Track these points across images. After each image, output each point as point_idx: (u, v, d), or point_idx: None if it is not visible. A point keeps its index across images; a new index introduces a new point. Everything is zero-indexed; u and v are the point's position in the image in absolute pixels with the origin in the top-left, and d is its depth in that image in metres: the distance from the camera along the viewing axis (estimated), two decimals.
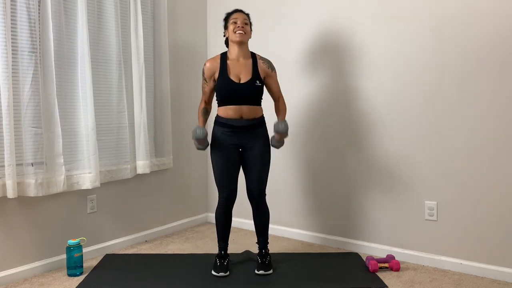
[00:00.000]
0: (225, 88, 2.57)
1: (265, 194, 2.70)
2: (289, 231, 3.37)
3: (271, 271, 2.62)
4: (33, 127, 2.56)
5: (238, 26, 2.58)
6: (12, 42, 2.46)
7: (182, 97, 3.60)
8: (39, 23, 2.59)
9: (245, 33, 2.59)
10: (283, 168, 3.33)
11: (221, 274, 2.57)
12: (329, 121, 3.14)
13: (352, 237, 3.08)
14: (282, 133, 2.58)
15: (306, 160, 3.27)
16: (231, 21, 2.62)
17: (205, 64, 2.64)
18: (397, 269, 2.64)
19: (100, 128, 2.94)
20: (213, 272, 2.60)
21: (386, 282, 2.49)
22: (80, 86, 2.79)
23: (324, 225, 3.21)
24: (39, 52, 2.59)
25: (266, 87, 2.69)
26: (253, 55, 2.67)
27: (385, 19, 2.86)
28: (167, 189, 3.52)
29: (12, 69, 2.47)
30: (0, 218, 2.49)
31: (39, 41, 2.59)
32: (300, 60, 3.26)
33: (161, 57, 3.33)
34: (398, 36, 2.81)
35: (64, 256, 2.71)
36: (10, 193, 2.42)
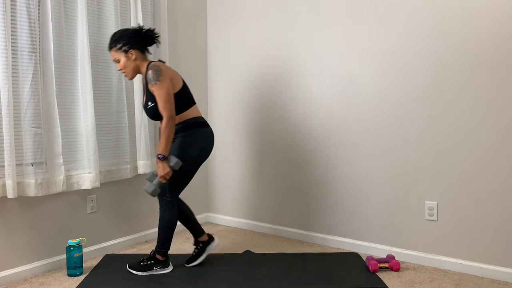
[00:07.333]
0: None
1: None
2: (289, 231, 3.36)
3: (140, 273, 2.58)
4: (33, 127, 2.56)
5: (119, 69, 2.57)
6: (12, 42, 2.46)
7: None
8: (39, 23, 2.59)
9: (127, 74, 2.56)
10: (282, 168, 3.33)
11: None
12: (330, 119, 3.14)
13: (352, 237, 3.08)
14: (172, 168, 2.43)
15: (304, 160, 3.27)
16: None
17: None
18: (397, 269, 2.64)
19: (100, 128, 2.95)
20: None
21: (386, 282, 2.49)
22: (80, 86, 2.79)
23: (324, 225, 3.21)
24: (39, 52, 2.59)
25: None
26: (147, 68, 2.50)
27: (382, 18, 2.86)
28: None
29: (12, 69, 2.47)
30: (0, 218, 2.50)
31: (39, 41, 2.59)
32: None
33: (161, 57, 3.33)
34: (397, 34, 2.82)
35: (64, 256, 2.71)
36: (10, 193, 2.43)
